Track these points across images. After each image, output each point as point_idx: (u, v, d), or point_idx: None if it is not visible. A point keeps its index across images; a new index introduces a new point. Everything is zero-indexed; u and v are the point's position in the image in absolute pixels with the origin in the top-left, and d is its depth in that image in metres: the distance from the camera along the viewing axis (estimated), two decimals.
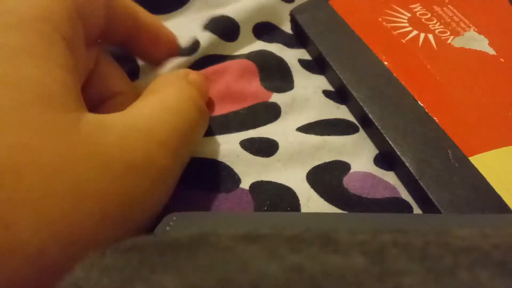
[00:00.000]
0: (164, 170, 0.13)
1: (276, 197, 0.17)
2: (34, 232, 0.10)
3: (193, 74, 0.18)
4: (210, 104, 0.21)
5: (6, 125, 0.10)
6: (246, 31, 0.24)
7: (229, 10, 0.24)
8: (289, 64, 0.23)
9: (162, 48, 0.20)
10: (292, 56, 0.23)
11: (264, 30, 0.25)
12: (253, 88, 0.21)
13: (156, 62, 0.20)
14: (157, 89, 0.16)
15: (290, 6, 0.25)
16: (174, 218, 0.12)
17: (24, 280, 0.10)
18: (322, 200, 0.17)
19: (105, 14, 0.16)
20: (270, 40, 0.24)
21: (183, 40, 0.21)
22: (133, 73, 0.21)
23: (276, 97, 0.21)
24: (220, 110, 0.20)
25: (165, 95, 0.15)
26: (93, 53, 0.17)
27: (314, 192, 0.17)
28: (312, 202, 0.17)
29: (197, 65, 0.22)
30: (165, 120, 0.14)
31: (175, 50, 0.20)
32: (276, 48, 0.24)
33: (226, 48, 0.23)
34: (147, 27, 0.18)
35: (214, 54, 0.23)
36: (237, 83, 0.21)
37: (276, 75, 0.22)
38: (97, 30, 0.16)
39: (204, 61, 0.22)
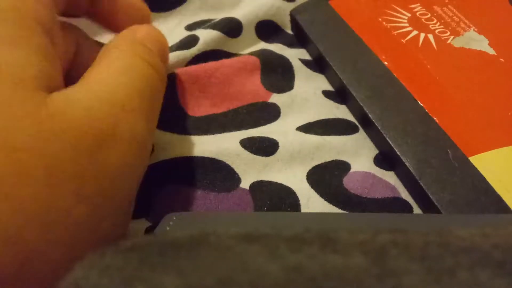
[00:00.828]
0: (132, 135, 0.13)
1: (276, 198, 0.17)
2: (9, 216, 0.10)
3: (141, 32, 0.17)
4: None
5: None
6: (248, 29, 0.24)
7: (232, 13, 0.24)
8: (292, 63, 0.23)
9: (125, 14, 0.18)
10: (293, 55, 0.23)
11: (266, 29, 0.25)
12: (253, 86, 0.21)
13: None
14: (107, 54, 0.15)
15: (291, 6, 0.25)
16: (174, 218, 0.12)
17: (4, 265, 0.10)
18: (322, 200, 0.17)
19: None
20: (271, 40, 0.24)
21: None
22: None
23: (275, 98, 0.21)
24: (220, 107, 0.20)
25: (112, 58, 0.14)
26: (73, 35, 0.17)
27: (314, 192, 0.17)
28: (312, 202, 0.17)
29: (199, 60, 0.22)
30: (122, 82, 0.13)
31: (144, 17, 0.19)
32: (277, 48, 0.24)
33: (229, 44, 0.23)
34: None
35: (216, 49, 0.23)
36: (238, 80, 0.21)
37: (277, 72, 0.22)
38: (63, 4, 0.15)
39: (206, 55, 0.22)
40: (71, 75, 0.15)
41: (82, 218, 0.11)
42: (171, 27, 0.25)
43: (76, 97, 0.12)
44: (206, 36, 0.22)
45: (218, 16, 0.26)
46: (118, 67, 0.14)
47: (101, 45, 0.18)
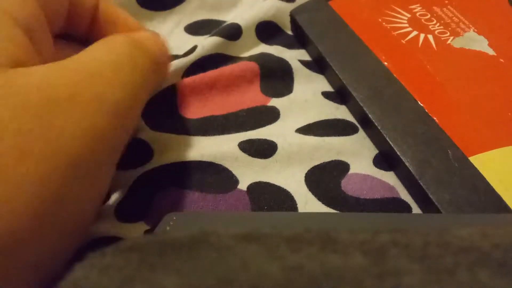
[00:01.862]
0: (99, 98, 0.13)
1: (274, 202, 0.17)
2: None
3: (140, 33, 0.17)
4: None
5: None
6: (248, 31, 0.24)
7: (231, 15, 0.24)
8: (291, 65, 0.23)
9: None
10: (292, 57, 0.23)
11: (266, 31, 0.25)
12: (253, 94, 0.21)
13: None
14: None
15: (291, 6, 0.25)
16: (174, 217, 0.12)
17: None
18: (319, 203, 0.17)
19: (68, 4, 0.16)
20: (271, 42, 0.24)
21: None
22: None
23: (274, 102, 0.21)
24: (219, 111, 0.20)
25: (98, 42, 0.15)
26: (69, 48, 0.17)
27: (312, 195, 0.17)
28: (310, 205, 0.17)
29: (199, 64, 0.22)
30: (96, 56, 0.14)
31: None
32: (276, 51, 0.24)
33: (229, 47, 0.23)
34: (108, 17, 0.18)
35: (216, 52, 0.23)
36: (237, 89, 0.21)
37: (277, 77, 0.22)
38: (61, 18, 0.16)
39: (207, 59, 0.22)
40: None
41: (27, 177, 0.11)
42: (170, 28, 0.26)
43: (38, 68, 0.12)
44: (204, 43, 0.22)
45: (217, 15, 0.26)
46: (98, 47, 0.14)
47: None
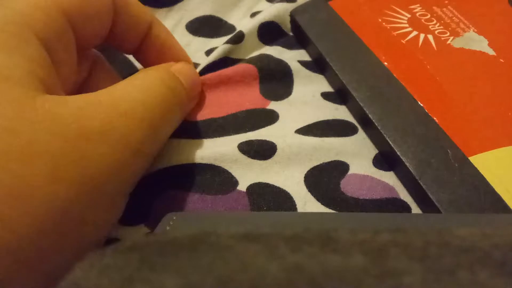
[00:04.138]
0: (126, 138, 0.13)
1: (273, 203, 0.17)
2: None
3: (177, 65, 0.18)
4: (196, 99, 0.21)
5: None
6: (251, 33, 0.24)
7: (232, 15, 0.24)
8: (290, 67, 0.23)
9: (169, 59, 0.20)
10: (292, 58, 0.23)
11: (268, 32, 0.25)
12: (252, 97, 0.21)
13: None
14: (134, 75, 0.16)
15: (291, 6, 0.25)
16: (174, 217, 0.12)
17: None
18: (319, 204, 0.17)
19: (112, 22, 0.17)
20: (272, 43, 0.24)
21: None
22: None
23: (273, 105, 0.21)
24: (218, 113, 0.20)
25: (134, 77, 0.16)
26: (88, 60, 0.18)
27: (311, 196, 0.17)
28: (309, 206, 0.17)
29: (206, 70, 0.22)
30: (129, 94, 0.14)
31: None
32: (276, 52, 0.24)
33: (233, 50, 0.23)
34: (158, 42, 0.19)
35: (220, 58, 0.23)
36: (237, 93, 0.21)
37: (276, 79, 0.22)
38: (98, 37, 0.17)
39: (212, 65, 0.22)
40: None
41: (56, 198, 0.11)
42: (171, 25, 0.25)
43: (72, 100, 0.13)
44: (211, 55, 0.23)
45: (219, 12, 0.26)
46: (133, 83, 0.15)
47: (115, 73, 0.20)
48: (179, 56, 0.19)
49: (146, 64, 0.20)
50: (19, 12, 0.14)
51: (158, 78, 0.16)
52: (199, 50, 0.25)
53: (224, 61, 0.23)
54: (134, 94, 0.15)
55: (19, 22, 0.13)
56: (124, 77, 0.19)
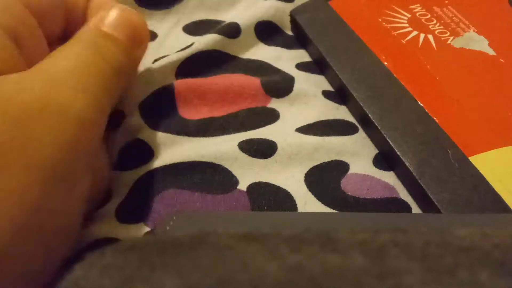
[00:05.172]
0: (66, 109, 0.13)
1: (274, 202, 0.17)
2: None
3: (110, 17, 0.17)
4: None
5: None
6: (247, 29, 0.24)
7: (230, 14, 0.24)
8: (291, 74, 0.23)
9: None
10: (292, 62, 0.23)
11: (266, 30, 0.25)
12: (253, 90, 0.21)
13: None
14: (66, 44, 0.16)
15: (290, 6, 0.25)
16: (174, 217, 0.12)
17: None
18: (319, 203, 0.17)
19: (65, 13, 0.17)
20: (271, 42, 0.24)
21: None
22: None
23: (274, 103, 0.21)
24: (219, 112, 0.20)
25: (65, 44, 0.15)
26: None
27: (312, 195, 0.17)
28: (309, 206, 0.17)
29: (195, 60, 0.22)
30: (61, 63, 0.14)
31: None
32: (275, 53, 0.24)
33: (228, 45, 0.23)
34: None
35: (213, 49, 0.22)
36: (237, 84, 0.21)
37: (276, 79, 0.22)
38: (58, 23, 0.17)
39: (203, 55, 0.22)
40: None
41: (5, 187, 0.11)
42: (168, 27, 0.25)
43: (12, 76, 0.13)
44: (201, 39, 0.22)
45: (216, 14, 0.26)
46: (68, 55, 0.15)
47: None
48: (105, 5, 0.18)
49: None
50: None
51: (86, 41, 0.15)
52: None
53: (220, 56, 0.23)
54: (64, 62, 0.14)
55: None
56: None
